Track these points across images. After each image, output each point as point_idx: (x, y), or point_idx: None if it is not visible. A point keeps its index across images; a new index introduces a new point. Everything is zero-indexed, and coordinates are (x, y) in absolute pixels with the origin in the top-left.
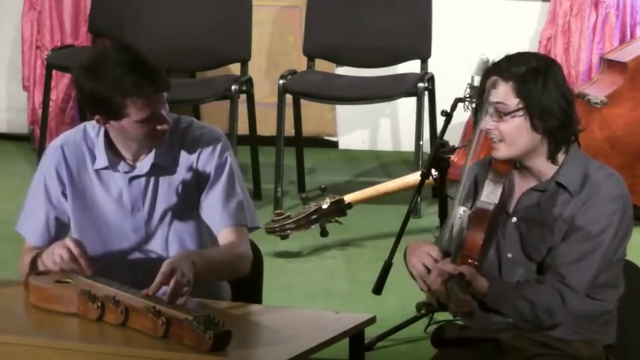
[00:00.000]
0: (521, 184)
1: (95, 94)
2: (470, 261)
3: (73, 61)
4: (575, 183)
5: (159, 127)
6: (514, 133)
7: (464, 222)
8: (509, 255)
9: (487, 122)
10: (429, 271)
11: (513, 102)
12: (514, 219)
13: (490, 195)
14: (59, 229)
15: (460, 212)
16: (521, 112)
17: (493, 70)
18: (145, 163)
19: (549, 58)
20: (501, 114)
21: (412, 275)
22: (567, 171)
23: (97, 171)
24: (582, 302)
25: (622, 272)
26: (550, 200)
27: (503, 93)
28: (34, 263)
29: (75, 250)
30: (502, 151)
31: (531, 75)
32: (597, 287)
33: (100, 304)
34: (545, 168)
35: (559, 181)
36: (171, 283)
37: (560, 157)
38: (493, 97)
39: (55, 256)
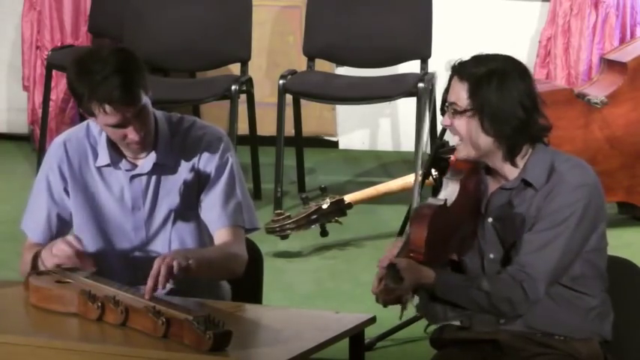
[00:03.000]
0: (492, 185)
1: (72, 88)
2: (413, 255)
3: None
4: (540, 179)
5: (129, 137)
6: (466, 133)
7: None
8: (491, 256)
9: (445, 119)
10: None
11: (464, 102)
12: (489, 219)
13: (444, 192)
14: (61, 226)
15: None
16: (470, 114)
17: (455, 69)
18: (146, 162)
19: (515, 62)
20: (455, 112)
21: None
22: (532, 168)
23: (99, 168)
24: (546, 291)
25: (605, 264)
26: (518, 198)
27: (458, 93)
28: (34, 262)
29: (78, 246)
30: (462, 151)
31: (487, 78)
32: (577, 279)
33: (100, 304)
34: (507, 168)
35: (525, 179)
36: (159, 264)
37: (522, 159)
38: (451, 96)
39: (57, 250)
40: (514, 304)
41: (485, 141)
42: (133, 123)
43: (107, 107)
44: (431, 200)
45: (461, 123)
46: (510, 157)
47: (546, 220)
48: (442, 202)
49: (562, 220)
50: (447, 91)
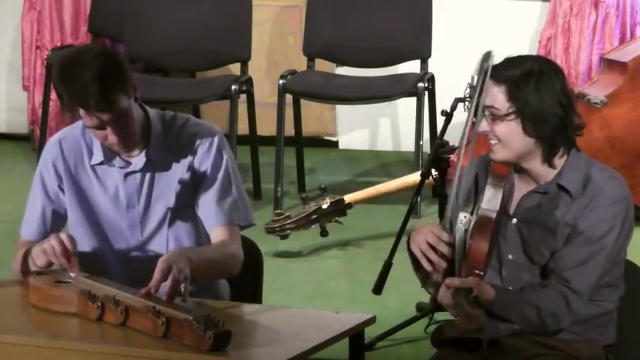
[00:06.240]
0: (521, 186)
1: (55, 88)
2: (476, 272)
3: None
4: (576, 185)
5: (109, 139)
6: (507, 136)
7: (467, 229)
8: (510, 257)
9: (483, 124)
10: (432, 249)
11: (504, 106)
12: (514, 220)
13: (491, 201)
14: (55, 223)
15: (461, 218)
16: (512, 116)
17: (491, 73)
18: (139, 159)
19: (548, 62)
20: (494, 117)
21: (412, 259)
22: (568, 173)
23: (94, 167)
24: (586, 305)
25: (622, 272)
26: (551, 202)
27: (496, 97)
28: (24, 260)
29: (69, 246)
30: (499, 154)
31: (524, 79)
32: (598, 289)
33: (100, 304)
34: (543, 171)
35: (560, 184)
36: (169, 280)
37: (559, 160)
38: (487, 101)
39: (46, 245)
40: (558, 319)
41: (527, 142)
42: (112, 126)
43: (82, 112)
44: (483, 212)
45: (501, 127)
46: (549, 158)
47: (587, 233)
48: (495, 214)
49: (603, 235)
50: (478, 95)
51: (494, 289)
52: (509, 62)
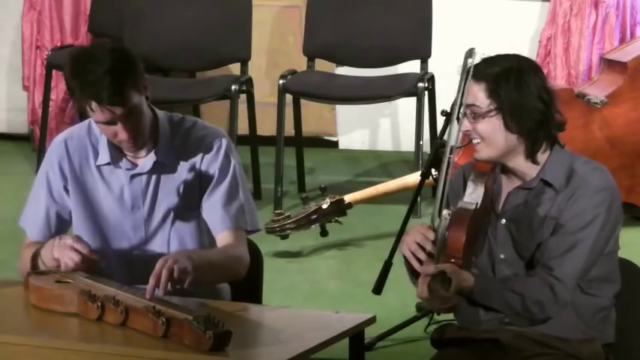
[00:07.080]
0: (508, 185)
1: (66, 83)
2: (453, 260)
3: None
4: (560, 179)
5: (119, 136)
6: (489, 134)
7: (446, 224)
8: (502, 256)
9: (464, 124)
10: (422, 249)
11: (485, 103)
12: (503, 220)
13: (472, 195)
14: (59, 225)
15: (445, 215)
16: (493, 113)
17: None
18: (147, 161)
19: (526, 59)
20: (475, 115)
21: (407, 265)
22: (551, 168)
23: (99, 167)
24: (573, 294)
25: (617, 267)
26: (537, 198)
27: (476, 95)
28: (34, 260)
29: (84, 250)
30: (483, 152)
31: (503, 76)
32: (591, 282)
33: (100, 304)
34: (527, 167)
35: (544, 179)
36: (158, 265)
37: (542, 156)
38: (468, 99)
39: (68, 260)
40: (544, 307)
41: (509, 139)
42: (123, 122)
43: (94, 105)
44: (461, 205)
45: (483, 125)
46: (532, 154)
47: (571, 222)
48: (474, 206)
49: (587, 223)
50: (461, 96)
51: (474, 277)
52: (488, 61)
